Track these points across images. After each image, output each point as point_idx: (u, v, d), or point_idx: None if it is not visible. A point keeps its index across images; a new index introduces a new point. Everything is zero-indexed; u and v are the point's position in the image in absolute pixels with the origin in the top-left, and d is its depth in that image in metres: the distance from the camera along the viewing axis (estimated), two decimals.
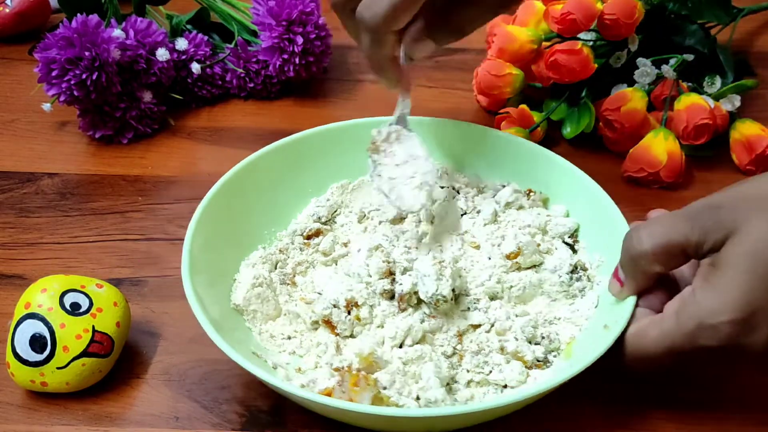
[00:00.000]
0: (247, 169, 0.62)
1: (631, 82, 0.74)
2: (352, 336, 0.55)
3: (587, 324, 0.55)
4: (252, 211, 0.62)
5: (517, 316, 0.55)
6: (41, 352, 0.51)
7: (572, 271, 0.58)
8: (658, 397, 0.54)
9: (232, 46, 0.79)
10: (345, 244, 0.61)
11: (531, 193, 0.63)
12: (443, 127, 0.66)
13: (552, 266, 0.58)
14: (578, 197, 0.61)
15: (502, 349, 0.53)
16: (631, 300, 0.51)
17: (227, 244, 0.59)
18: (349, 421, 0.50)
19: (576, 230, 0.61)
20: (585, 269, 0.58)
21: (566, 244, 0.60)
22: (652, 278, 0.50)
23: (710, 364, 0.51)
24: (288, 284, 0.58)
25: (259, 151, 0.63)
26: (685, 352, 0.47)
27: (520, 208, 0.62)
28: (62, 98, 0.71)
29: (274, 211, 0.63)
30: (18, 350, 0.52)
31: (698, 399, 0.54)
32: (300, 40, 0.76)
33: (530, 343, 0.54)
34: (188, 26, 0.81)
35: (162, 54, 0.75)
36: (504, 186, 0.64)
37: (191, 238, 0.56)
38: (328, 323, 0.54)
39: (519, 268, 0.58)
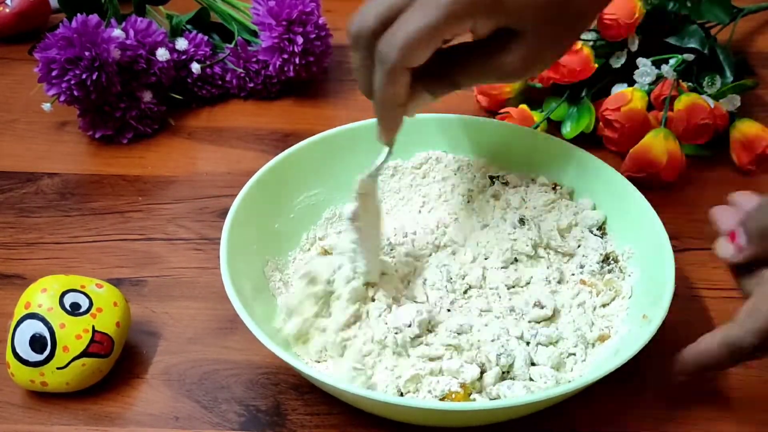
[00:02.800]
0: (294, 156, 0.63)
1: (631, 82, 0.74)
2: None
3: (624, 315, 0.55)
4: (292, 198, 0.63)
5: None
6: (41, 352, 0.51)
7: (604, 260, 0.58)
8: (650, 396, 0.54)
9: (232, 46, 0.79)
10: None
11: (557, 187, 0.64)
12: (471, 124, 0.66)
13: (581, 258, 0.59)
14: (604, 190, 0.62)
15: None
16: (669, 288, 0.52)
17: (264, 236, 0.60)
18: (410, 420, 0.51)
19: (604, 222, 0.62)
20: (617, 260, 0.59)
21: (595, 236, 0.61)
22: None
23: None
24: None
25: (305, 141, 0.64)
26: (746, 354, 0.47)
27: (552, 202, 0.62)
28: (62, 98, 0.71)
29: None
30: (18, 350, 0.52)
31: (693, 399, 0.54)
32: (300, 40, 0.76)
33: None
34: (188, 26, 0.81)
35: (162, 54, 0.75)
36: (533, 180, 0.64)
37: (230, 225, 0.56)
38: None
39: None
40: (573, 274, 0.58)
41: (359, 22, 0.49)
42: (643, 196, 0.59)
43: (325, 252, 0.61)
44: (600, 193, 0.62)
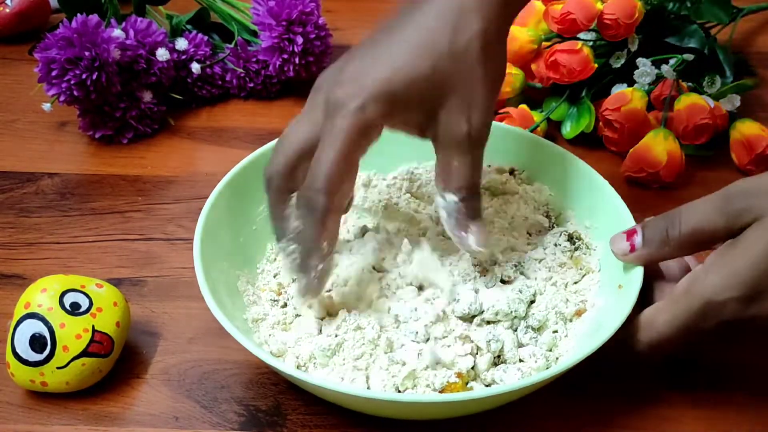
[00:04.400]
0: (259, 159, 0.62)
1: (631, 82, 0.74)
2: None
3: (596, 288, 0.56)
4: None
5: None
6: (41, 352, 0.51)
7: (569, 240, 0.59)
8: (650, 396, 0.54)
9: (232, 46, 0.79)
10: None
11: (515, 172, 0.64)
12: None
13: (546, 244, 0.59)
14: (553, 169, 0.62)
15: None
16: None
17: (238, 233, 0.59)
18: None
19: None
20: (580, 238, 0.59)
21: (548, 218, 0.62)
22: (672, 257, 0.51)
23: (718, 343, 0.53)
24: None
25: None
26: (696, 333, 0.48)
27: (510, 192, 0.63)
28: (62, 98, 0.71)
29: None
30: (18, 350, 0.52)
31: (693, 398, 0.54)
32: (300, 40, 0.76)
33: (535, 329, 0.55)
34: (188, 26, 0.81)
35: (162, 54, 0.75)
36: (489, 166, 0.64)
37: (202, 229, 0.55)
38: None
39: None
40: (541, 259, 0.59)
41: (269, 169, 0.51)
42: (590, 167, 0.60)
43: None
44: (548, 172, 0.63)
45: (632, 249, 0.52)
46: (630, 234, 0.52)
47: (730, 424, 0.53)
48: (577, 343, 0.53)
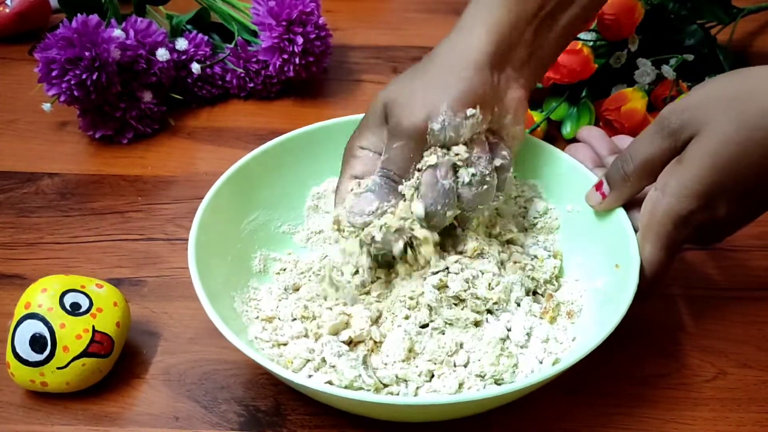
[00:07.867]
0: (252, 163, 0.61)
1: (631, 82, 0.74)
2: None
3: (589, 266, 0.57)
4: (256, 203, 0.61)
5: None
6: (41, 352, 0.51)
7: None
8: (650, 396, 0.54)
9: (232, 46, 0.79)
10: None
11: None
12: None
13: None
14: (529, 157, 0.62)
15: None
16: (630, 231, 0.54)
17: (232, 239, 0.59)
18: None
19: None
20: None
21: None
22: (638, 191, 0.55)
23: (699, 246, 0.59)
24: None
25: (264, 145, 0.62)
26: (678, 244, 0.53)
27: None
28: (62, 98, 0.71)
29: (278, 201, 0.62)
30: (18, 350, 0.52)
31: (693, 398, 0.54)
32: (300, 40, 0.76)
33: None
34: (188, 26, 0.81)
35: (162, 54, 0.75)
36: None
37: (196, 233, 0.54)
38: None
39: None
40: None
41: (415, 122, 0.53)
42: (566, 154, 0.60)
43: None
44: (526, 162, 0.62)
45: (603, 196, 0.56)
46: (598, 185, 0.56)
47: (730, 425, 0.53)
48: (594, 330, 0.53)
